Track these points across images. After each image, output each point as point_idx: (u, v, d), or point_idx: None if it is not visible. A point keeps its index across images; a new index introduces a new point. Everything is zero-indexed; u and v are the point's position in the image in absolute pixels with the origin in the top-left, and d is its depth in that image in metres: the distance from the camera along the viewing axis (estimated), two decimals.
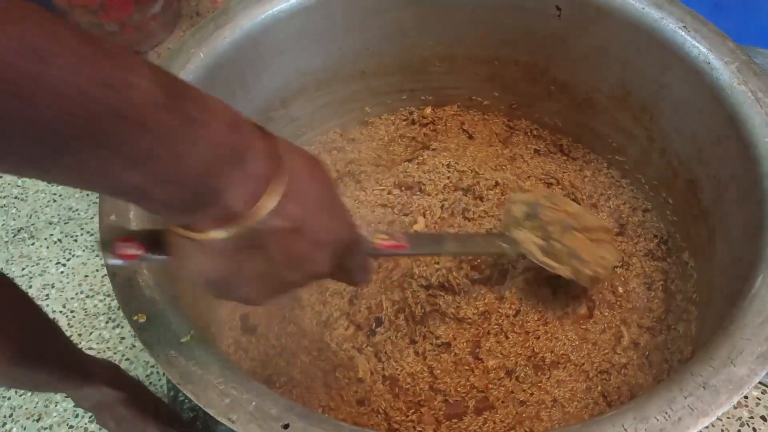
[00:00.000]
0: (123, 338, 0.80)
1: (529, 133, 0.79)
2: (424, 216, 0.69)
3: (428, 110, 0.81)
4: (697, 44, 0.57)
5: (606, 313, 0.63)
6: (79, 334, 0.82)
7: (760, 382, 0.94)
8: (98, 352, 0.82)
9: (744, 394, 0.38)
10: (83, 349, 0.75)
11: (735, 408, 0.91)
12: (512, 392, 0.60)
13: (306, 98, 0.73)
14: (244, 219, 0.29)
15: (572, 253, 0.59)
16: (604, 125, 0.72)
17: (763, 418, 0.92)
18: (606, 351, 0.61)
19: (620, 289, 0.65)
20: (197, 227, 0.29)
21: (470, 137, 0.79)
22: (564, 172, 0.74)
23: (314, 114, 0.76)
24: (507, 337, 0.62)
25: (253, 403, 0.40)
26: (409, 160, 0.76)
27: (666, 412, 0.38)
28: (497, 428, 0.57)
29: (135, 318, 0.43)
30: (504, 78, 0.76)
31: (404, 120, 0.81)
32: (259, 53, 0.64)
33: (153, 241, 0.33)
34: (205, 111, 0.27)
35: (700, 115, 0.59)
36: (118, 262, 0.33)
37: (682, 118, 0.62)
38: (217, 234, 0.29)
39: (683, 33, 0.58)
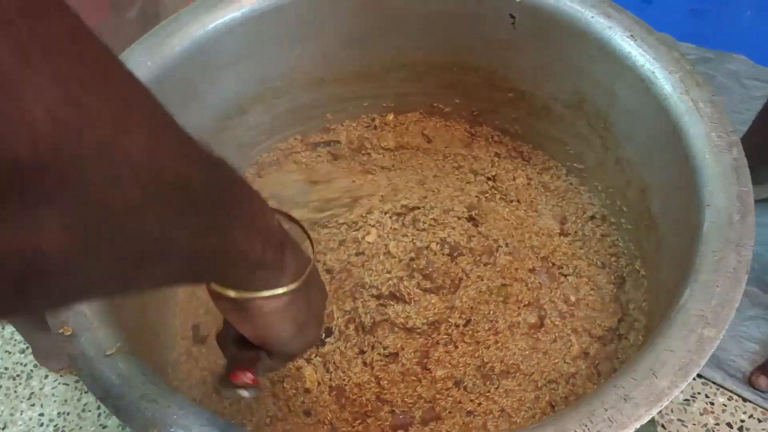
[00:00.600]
0: None
1: (490, 139, 0.79)
2: (376, 228, 0.69)
3: (390, 117, 0.81)
4: (643, 53, 0.57)
5: (557, 322, 0.63)
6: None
7: (726, 389, 0.94)
8: None
9: (663, 406, 0.38)
10: None
11: (701, 414, 0.91)
12: (460, 402, 0.59)
13: (264, 106, 0.73)
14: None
15: None
16: (563, 132, 0.72)
17: (729, 425, 0.92)
18: (556, 360, 0.61)
19: (572, 298, 0.64)
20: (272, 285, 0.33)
21: (429, 141, 0.79)
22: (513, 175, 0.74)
23: (273, 121, 0.76)
24: (456, 347, 0.62)
25: (174, 417, 0.40)
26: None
27: (585, 425, 0.38)
28: None
29: (61, 331, 0.43)
30: (464, 85, 0.76)
31: (367, 126, 0.81)
32: (211, 61, 0.64)
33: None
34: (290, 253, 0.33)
35: (648, 124, 0.59)
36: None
37: (633, 127, 0.62)
38: (293, 285, 0.33)
39: (630, 42, 0.58)
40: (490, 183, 0.75)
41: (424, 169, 0.77)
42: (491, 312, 0.63)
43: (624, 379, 0.40)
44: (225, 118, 0.70)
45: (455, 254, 0.66)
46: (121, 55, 0.59)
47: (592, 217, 0.70)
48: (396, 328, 0.62)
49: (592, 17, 0.61)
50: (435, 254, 0.66)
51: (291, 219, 0.40)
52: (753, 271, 1.01)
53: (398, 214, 0.71)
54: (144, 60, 0.59)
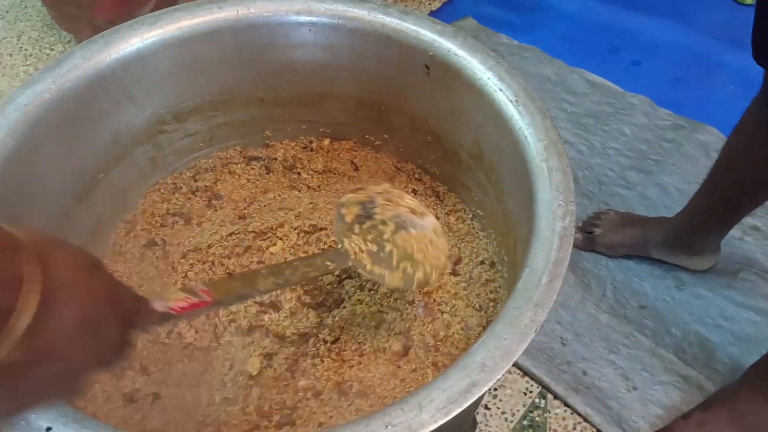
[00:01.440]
0: None
1: (411, 176, 0.84)
2: (282, 240, 0.75)
3: (326, 142, 0.87)
4: (520, 118, 0.62)
5: (420, 354, 0.68)
6: None
7: (575, 410, 0.96)
8: None
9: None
10: None
11: None
12: (315, 413, 0.64)
13: (202, 116, 0.80)
14: None
15: (405, 255, 0.58)
16: (470, 180, 0.77)
17: None
18: (411, 389, 0.66)
19: (441, 334, 0.69)
20: None
21: (356, 170, 0.84)
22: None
23: (212, 131, 0.82)
24: (323, 361, 0.67)
25: None
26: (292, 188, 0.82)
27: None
28: None
29: None
30: (391, 123, 0.81)
31: (303, 148, 0.87)
32: (148, 72, 0.71)
33: None
34: None
35: (518, 183, 0.63)
36: None
37: (511, 184, 0.66)
38: None
39: (513, 107, 0.63)
40: None
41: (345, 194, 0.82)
42: (361, 334, 0.68)
43: (393, 408, 0.45)
44: (161, 123, 0.77)
45: (344, 276, 0.72)
46: (59, 56, 0.66)
47: (482, 262, 0.75)
48: (270, 334, 0.67)
49: (488, 78, 0.66)
50: None
51: None
52: (672, 337, 1.04)
53: (306, 232, 0.76)
54: (79, 62, 0.66)
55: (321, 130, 0.86)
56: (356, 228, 0.59)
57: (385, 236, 0.58)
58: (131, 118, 0.73)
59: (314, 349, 0.67)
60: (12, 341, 0.26)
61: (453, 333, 0.69)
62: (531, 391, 1.02)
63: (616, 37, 1.56)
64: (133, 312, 0.39)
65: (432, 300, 0.72)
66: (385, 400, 0.65)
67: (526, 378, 1.03)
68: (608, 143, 1.34)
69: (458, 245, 0.77)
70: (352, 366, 0.67)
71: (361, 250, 0.58)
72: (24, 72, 1.51)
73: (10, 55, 1.55)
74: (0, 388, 0.28)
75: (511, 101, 0.64)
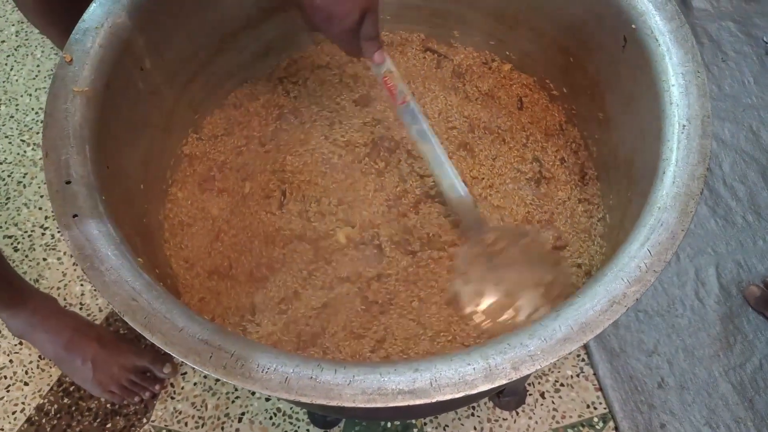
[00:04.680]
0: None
1: (570, 143, 0.74)
2: None
3: (507, 67, 0.79)
4: (673, 152, 0.50)
5: None
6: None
7: None
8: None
9: None
10: None
11: None
12: None
13: None
14: None
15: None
16: (617, 180, 0.66)
17: None
18: None
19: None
20: None
21: (520, 108, 0.77)
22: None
23: (401, 9, 0.79)
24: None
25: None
26: None
27: None
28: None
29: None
30: (573, 79, 0.71)
31: (483, 63, 0.81)
32: None
33: None
34: None
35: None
36: None
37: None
38: None
39: (677, 134, 0.51)
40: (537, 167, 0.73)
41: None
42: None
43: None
44: None
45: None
46: None
47: (579, 265, 0.67)
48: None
49: (672, 87, 0.53)
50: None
51: None
52: None
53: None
54: None
55: (507, 53, 0.79)
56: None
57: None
58: None
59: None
60: None
61: None
62: (596, 408, 0.94)
63: None
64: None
65: None
66: None
67: (599, 393, 0.95)
68: None
69: (569, 235, 0.69)
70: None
71: None
72: None
73: None
74: None
75: (679, 125, 0.51)
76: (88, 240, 0.48)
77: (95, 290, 0.45)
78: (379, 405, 0.42)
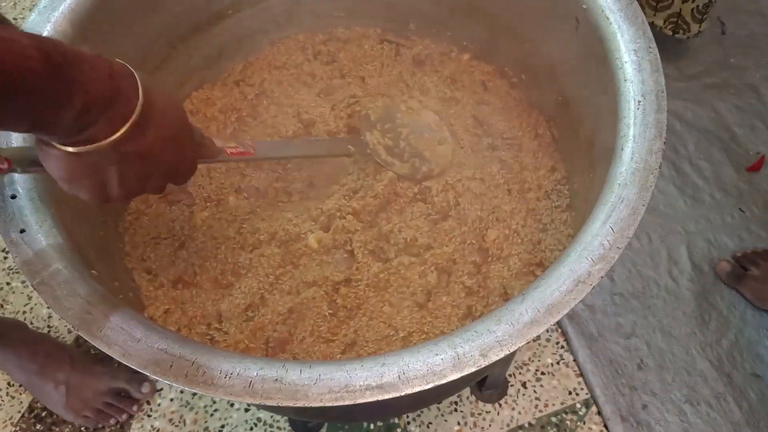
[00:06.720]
0: None
1: (536, 124, 0.74)
2: None
3: (466, 57, 0.79)
4: (631, 127, 0.50)
5: None
6: None
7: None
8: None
9: None
10: None
11: None
12: None
13: None
14: (99, 143, 0.39)
15: (415, 153, 0.69)
16: (580, 162, 0.66)
17: None
18: None
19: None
20: (66, 144, 0.39)
21: (485, 90, 0.76)
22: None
23: (356, 4, 0.78)
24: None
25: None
26: None
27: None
28: None
29: None
30: (529, 63, 0.71)
31: (441, 53, 0.80)
32: None
33: (21, 158, 0.44)
34: (83, 73, 0.36)
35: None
36: None
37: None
38: (75, 149, 0.39)
39: (633, 108, 0.51)
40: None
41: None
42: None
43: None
44: None
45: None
46: None
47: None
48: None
49: (625, 63, 0.53)
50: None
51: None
52: None
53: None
54: None
55: (464, 43, 0.78)
56: (378, 125, 0.70)
57: (402, 136, 0.70)
58: None
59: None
60: (131, 123, 0.39)
61: None
62: (578, 394, 0.94)
63: None
64: (200, 144, 0.50)
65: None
66: None
67: (580, 379, 0.95)
68: None
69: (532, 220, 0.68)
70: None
71: (378, 143, 0.69)
72: None
73: None
74: (129, 164, 0.41)
75: (634, 101, 0.51)
76: (36, 255, 0.46)
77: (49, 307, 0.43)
78: (347, 402, 0.41)
